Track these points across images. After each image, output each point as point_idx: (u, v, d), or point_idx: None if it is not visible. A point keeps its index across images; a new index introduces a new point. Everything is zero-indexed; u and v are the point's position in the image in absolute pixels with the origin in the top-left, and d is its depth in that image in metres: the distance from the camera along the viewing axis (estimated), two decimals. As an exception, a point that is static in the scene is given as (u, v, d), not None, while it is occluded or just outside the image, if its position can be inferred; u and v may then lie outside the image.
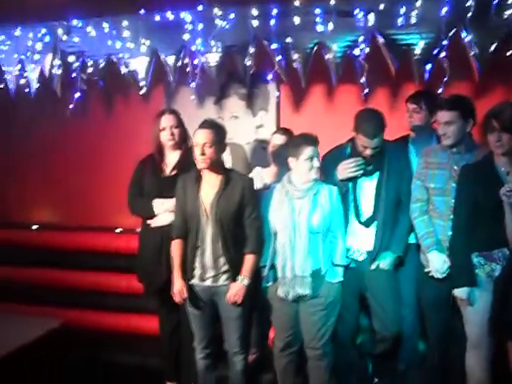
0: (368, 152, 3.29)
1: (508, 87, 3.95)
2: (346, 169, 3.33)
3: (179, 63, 4.05)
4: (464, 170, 3.08)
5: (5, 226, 5.15)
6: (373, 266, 3.40)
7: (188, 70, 4.03)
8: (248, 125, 4.48)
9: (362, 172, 3.35)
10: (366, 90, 3.83)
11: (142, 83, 4.19)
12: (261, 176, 3.73)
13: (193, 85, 4.07)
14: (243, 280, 3.18)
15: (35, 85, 4.42)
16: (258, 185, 3.54)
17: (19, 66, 4.42)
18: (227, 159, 4.35)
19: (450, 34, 3.47)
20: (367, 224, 3.41)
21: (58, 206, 5.12)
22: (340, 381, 3.54)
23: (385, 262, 3.39)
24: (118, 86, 4.49)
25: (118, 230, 4.73)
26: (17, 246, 5.00)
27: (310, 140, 3.21)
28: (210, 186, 3.21)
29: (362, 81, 3.74)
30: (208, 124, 3.20)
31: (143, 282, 3.77)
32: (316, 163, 3.20)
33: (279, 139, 3.74)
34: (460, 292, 3.01)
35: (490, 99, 3.60)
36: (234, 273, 3.20)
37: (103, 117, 4.75)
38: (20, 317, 4.07)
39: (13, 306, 4.79)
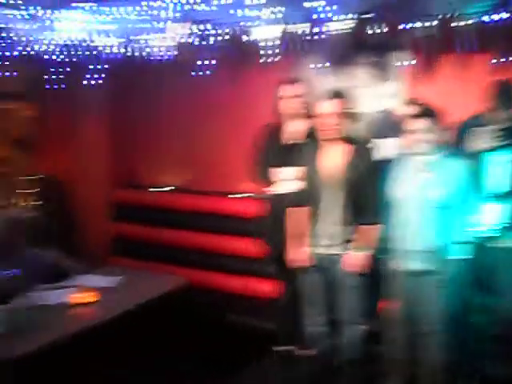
0: (500, 124, 3.17)
1: None
2: (481, 139, 3.23)
3: (307, 31, 4.03)
4: None
5: (136, 188, 5.51)
6: (501, 244, 3.29)
7: (315, 37, 4.00)
8: (375, 94, 4.37)
9: (497, 144, 3.22)
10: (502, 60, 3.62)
11: (269, 51, 4.21)
12: (385, 147, 3.67)
13: (320, 53, 4.03)
14: (361, 250, 3.18)
15: (165, 53, 4.58)
16: (381, 156, 3.49)
17: (151, 35, 4.59)
18: (352, 129, 4.32)
19: None
20: (499, 199, 3.28)
21: (184, 171, 5.34)
22: (454, 359, 3.47)
23: (513, 239, 3.25)
24: (245, 54, 4.54)
25: (239, 195, 4.86)
26: (147, 206, 5.33)
27: (423, 112, 3.11)
28: (332, 155, 3.21)
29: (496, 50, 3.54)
30: (335, 94, 3.19)
31: (264, 248, 3.87)
32: (422, 137, 3.08)
33: (406, 110, 3.64)
34: None
35: None
36: (352, 242, 3.20)
37: (229, 85, 4.84)
38: (148, 273, 4.29)
39: (141, 263, 5.13)
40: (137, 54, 4.72)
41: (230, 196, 4.92)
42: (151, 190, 5.38)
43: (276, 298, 4.00)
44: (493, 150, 3.25)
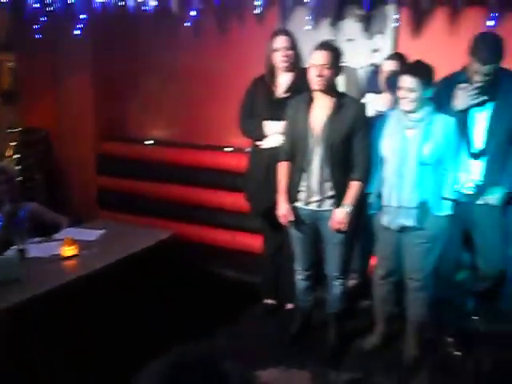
0: (478, 78, 3.09)
1: None
2: (464, 97, 3.16)
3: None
4: None
5: (123, 141, 5.44)
6: (481, 201, 3.29)
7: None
8: (364, 48, 4.30)
9: (478, 100, 3.16)
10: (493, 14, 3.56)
11: (257, 2, 4.12)
12: (373, 102, 3.63)
13: (308, 5, 3.95)
14: (347, 207, 3.17)
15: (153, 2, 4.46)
16: (370, 111, 3.46)
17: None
18: (340, 83, 4.27)
19: None
20: (477, 157, 3.26)
21: (173, 124, 5.29)
22: (437, 315, 3.52)
23: (493, 197, 3.27)
24: (234, 4, 4.45)
25: (228, 149, 4.83)
26: (133, 159, 5.28)
27: (408, 70, 3.06)
28: (321, 109, 3.17)
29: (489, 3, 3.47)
30: (326, 45, 3.13)
31: (250, 202, 3.87)
32: (410, 95, 3.01)
33: (390, 65, 3.58)
34: None
35: None
36: (339, 199, 3.19)
37: (217, 36, 4.75)
38: (133, 226, 4.29)
39: (127, 216, 5.13)
40: (122, 3, 4.58)
41: (219, 150, 4.88)
42: (138, 142, 5.31)
43: (262, 253, 4.01)
44: (475, 106, 3.20)
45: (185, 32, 4.69)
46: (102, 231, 3.90)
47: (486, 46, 3.03)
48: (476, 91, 3.13)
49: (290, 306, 3.93)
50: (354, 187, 3.18)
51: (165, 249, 3.90)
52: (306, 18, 4.26)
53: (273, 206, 3.39)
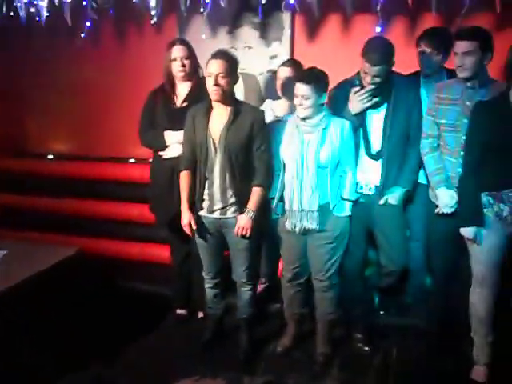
0: (368, 80, 3.19)
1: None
2: (357, 101, 3.26)
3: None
4: (477, 106, 3.00)
5: (22, 156, 5.24)
6: (381, 201, 3.39)
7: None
8: (261, 55, 4.38)
9: (371, 103, 3.26)
10: (381, 21, 3.72)
11: (154, 12, 4.08)
12: (271, 108, 3.69)
13: (205, 14, 3.96)
14: (250, 213, 3.19)
15: (45, 13, 4.32)
16: (268, 117, 3.51)
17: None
18: (240, 90, 4.32)
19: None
20: (375, 158, 3.36)
21: (73, 137, 5.17)
22: (346, 312, 3.62)
23: (393, 196, 3.38)
24: (130, 15, 4.40)
25: (131, 160, 4.77)
26: (33, 175, 5.08)
27: (302, 78, 3.13)
28: (219, 117, 3.18)
29: (377, 10, 3.61)
30: (221, 54, 3.14)
31: (155, 213, 3.83)
32: (305, 103, 3.08)
33: (285, 71, 3.64)
34: (467, 231, 3.00)
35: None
36: (242, 205, 3.21)
37: (115, 46, 4.69)
38: (37, 244, 4.15)
39: (30, 234, 4.94)
40: (21, 13, 4.40)
41: (122, 161, 4.80)
42: (38, 157, 5.14)
43: (170, 263, 3.98)
44: (369, 108, 3.30)
45: (82, 44, 4.59)
46: (3, 252, 3.75)
47: (375, 48, 3.13)
48: (368, 94, 3.23)
49: (201, 314, 3.93)
50: (255, 193, 3.20)
51: (71, 265, 3.79)
52: (204, 26, 4.28)
53: (177, 215, 3.37)
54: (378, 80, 3.19)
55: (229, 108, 3.17)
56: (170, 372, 3.37)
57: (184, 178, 3.30)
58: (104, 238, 4.82)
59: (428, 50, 3.44)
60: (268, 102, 3.80)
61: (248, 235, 3.21)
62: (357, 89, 3.26)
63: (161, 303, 4.07)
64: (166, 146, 3.56)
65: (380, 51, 3.13)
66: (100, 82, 4.81)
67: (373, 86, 3.21)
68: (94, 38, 4.58)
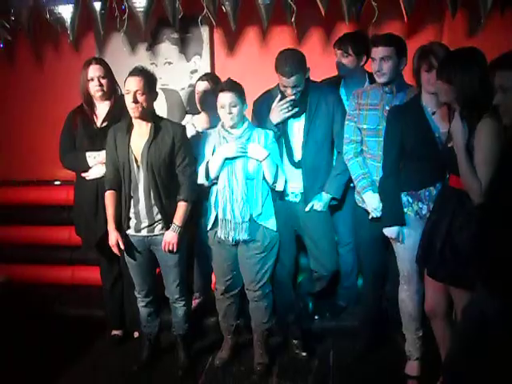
0: (289, 91, 3.25)
1: (437, 28, 3.97)
2: (278, 111, 3.31)
3: (106, 9, 3.88)
4: (392, 111, 3.11)
5: None
6: (307, 208, 3.45)
7: (116, 15, 3.87)
8: (182, 70, 4.39)
9: (292, 113, 3.32)
10: (296, 32, 3.81)
11: (70, 31, 4.01)
12: (192, 123, 3.69)
13: (122, 31, 3.93)
14: (175, 228, 3.19)
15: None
16: (190, 132, 3.52)
17: None
18: (162, 106, 4.31)
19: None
20: (298, 166, 3.43)
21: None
22: (281, 320, 3.66)
23: (319, 203, 3.44)
24: (46, 34, 4.31)
25: (56, 183, 4.66)
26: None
27: (225, 87, 3.17)
28: (140, 135, 3.17)
29: (292, 22, 3.65)
30: (138, 71, 3.12)
31: (81, 236, 3.76)
32: (233, 110, 3.14)
33: (203, 85, 3.66)
34: (389, 231, 3.09)
35: (419, 40, 3.59)
36: (168, 222, 3.21)
37: (33, 67, 4.58)
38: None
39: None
40: None
41: (46, 184, 4.68)
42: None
43: (102, 284, 3.92)
44: (290, 118, 3.36)
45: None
46: None
47: (285, 61, 3.19)
48: (289, 104, 3.30)
49: (136, 334, 3.88)
50: (180, 208, 3.21)
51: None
52: (122, 44, 4.25)
53: (105, 236, 3.33)
54: (299, 89, 3.25)
55: (149, 124, 3.17)
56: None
57: (109, 197, 3.26)
58: (32, 264, 4.67)
59: (339, 52, 3.56)
60: (188, 116, 3.80)
61: (175, 250, 3.21)
62: (277, 99, 3.31)
63: (95, 325, 3.99)
64: (89, 167, 3.51)
65: (290, 62, 3.19)
66: (18, 103, 4.66)
67: (293, 97, 3.27)
68: (10, 59, 4.46)
